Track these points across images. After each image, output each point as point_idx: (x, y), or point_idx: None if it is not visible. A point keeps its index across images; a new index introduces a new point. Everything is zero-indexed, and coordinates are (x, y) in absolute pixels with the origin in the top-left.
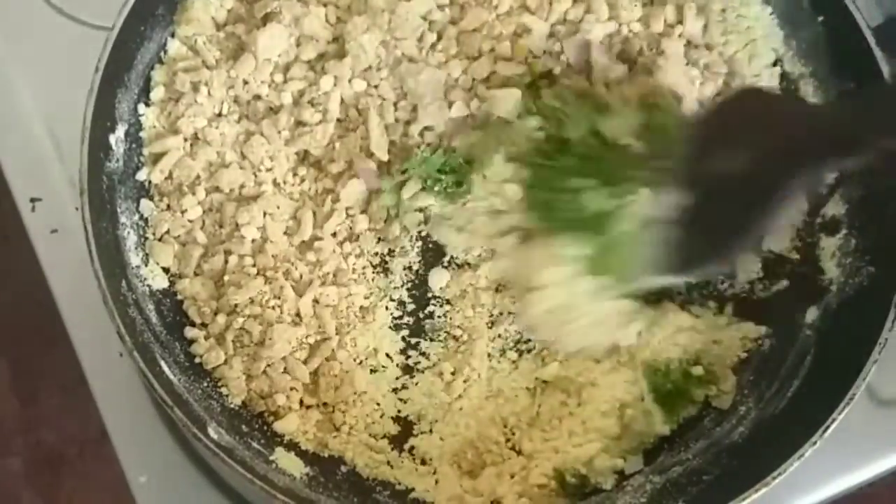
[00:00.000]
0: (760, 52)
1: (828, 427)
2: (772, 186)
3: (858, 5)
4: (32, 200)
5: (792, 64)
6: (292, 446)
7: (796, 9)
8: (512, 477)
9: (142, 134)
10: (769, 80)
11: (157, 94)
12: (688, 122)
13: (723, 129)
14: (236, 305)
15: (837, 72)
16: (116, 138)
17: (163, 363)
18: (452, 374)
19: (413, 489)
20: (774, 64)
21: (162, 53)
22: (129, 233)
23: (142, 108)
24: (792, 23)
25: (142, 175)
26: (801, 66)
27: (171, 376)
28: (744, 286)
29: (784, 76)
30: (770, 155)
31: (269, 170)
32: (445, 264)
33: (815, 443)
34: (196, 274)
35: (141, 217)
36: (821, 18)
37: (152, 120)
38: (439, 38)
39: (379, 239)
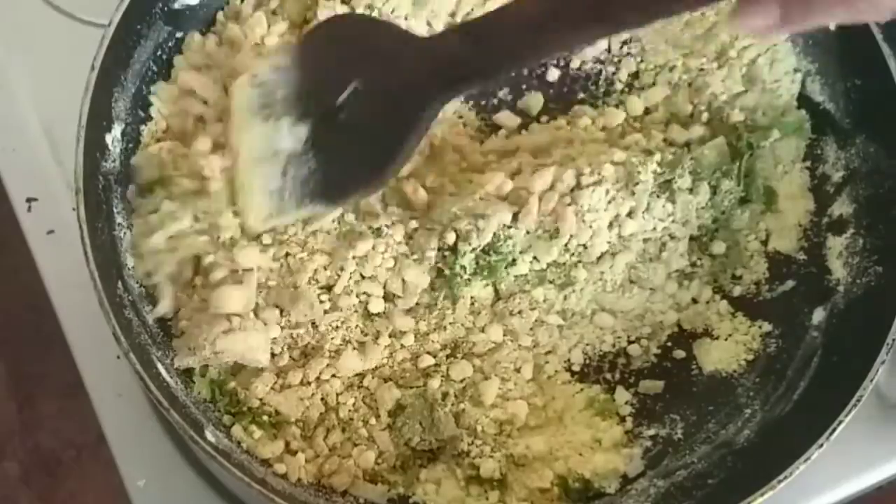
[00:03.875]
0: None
1: (834, 430)
2: (395, 117)
3: None
4: (29, 201)
5: (798, 60)
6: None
7: None
8: (514, 482)
9: (142, 128)
10: (790, 85)
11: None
12: (287, 50)
13: (327, 53)
14: None
15: (844, 68)
16: (113, 137)
17: (159, 365)
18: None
19: (413, 493)
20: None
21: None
22: (125, 233)
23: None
24: None
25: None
26: (808, 63)
27: (168, 378)
28: (750, 287)
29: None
30: (385, 87)
31: None
32: None
33: (821, 445)
34: None
35: None
36: None
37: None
38: None
39: None
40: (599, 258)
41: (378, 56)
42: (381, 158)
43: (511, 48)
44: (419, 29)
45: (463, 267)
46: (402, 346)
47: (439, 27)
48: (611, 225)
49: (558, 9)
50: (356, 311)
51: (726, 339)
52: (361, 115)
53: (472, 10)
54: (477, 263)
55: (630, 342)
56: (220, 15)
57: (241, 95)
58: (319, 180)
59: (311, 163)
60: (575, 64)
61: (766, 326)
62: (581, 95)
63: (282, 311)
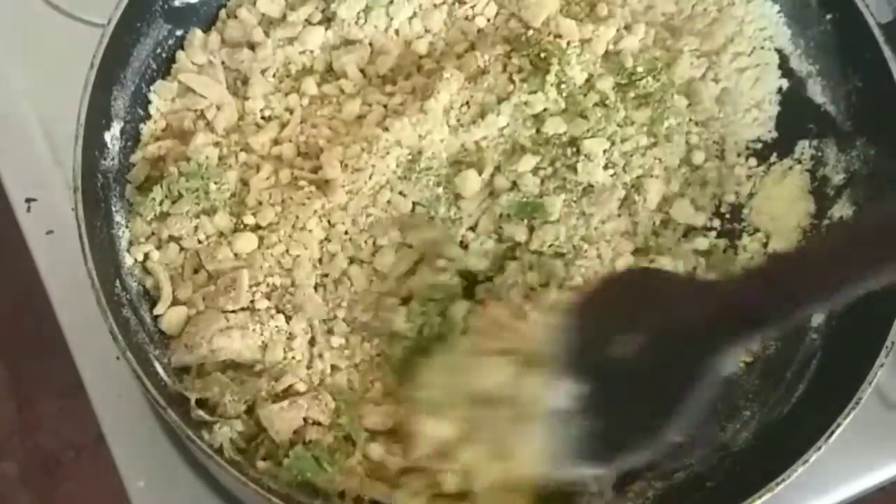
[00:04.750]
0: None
1: (833, 432)
2: (679, 369)
3: (867, 2)
4: (28, 201)
5: (799, 63)
6: None
7: (804, 7)
8: None
9: (142, 126)
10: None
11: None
12: (566, 306)
13: (609, 310)
14: None
15: (846, 70)
16: (111, 136)
17: (157, 364)
18: None
19: None
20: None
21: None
22: (123, 232)
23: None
24: (799, 21)
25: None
26: (809, 65)
27: (166, 378)
28: None
29: (792, 75)
30: (670, 338)
31: None
32: None
33: (819, 448)
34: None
35: None
36: (829, 16)
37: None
38: None
39: None
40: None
41: (664, 305)
42: (666, 419)
43: (814, 291)
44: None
45: None
46: None
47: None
48: None
49: (870, 241)
50: None
51: None
52: (644, 369)
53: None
54: None
55: None
56: (221, 13)
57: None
58: (594, 439)
59: (585, 422)
60: None
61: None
62: None
63: (279, 309)
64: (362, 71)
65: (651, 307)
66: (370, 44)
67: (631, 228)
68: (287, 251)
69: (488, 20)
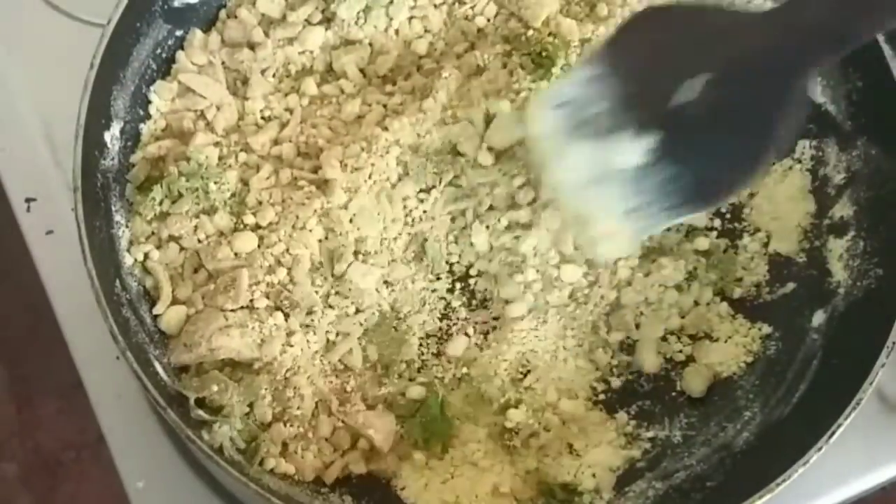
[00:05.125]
0: None
1: (833, 433)
2: (764, 99)
3: None
4: (27, 201)
5: None
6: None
7: None
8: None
9: (142, 127)
10: None
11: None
12: (597, 57)
13: (644, 54)
14: None
15: (846, 70)
16: (111, 136)
17: (157, 364)
18: None
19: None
20: None
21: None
22: (123, 232)
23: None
24: None
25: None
26: None
27: (166, 377)
28: (750, 289)
29: None
30: (741, 70)
31: None
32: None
33: (820, 448)
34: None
35: None
36: None
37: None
38: None
39: None
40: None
41: (723, 40)
42: (759, 144)
43: (885, 5)
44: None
45: None
46: None
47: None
48: None
49: None
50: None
51: (726, 342)
52: (721, 106)
53: None
54: None
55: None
56: (221, 13)
57: (542, 122)
58: (686, 183)
59: (669, 169)
60: None
61: (766, 329)
62: None
63: (278, 307)
64: (362, 71)
65: (710, 42)
66: (370, 44)
67: None
68: (287, 250)
69: (488, 20)
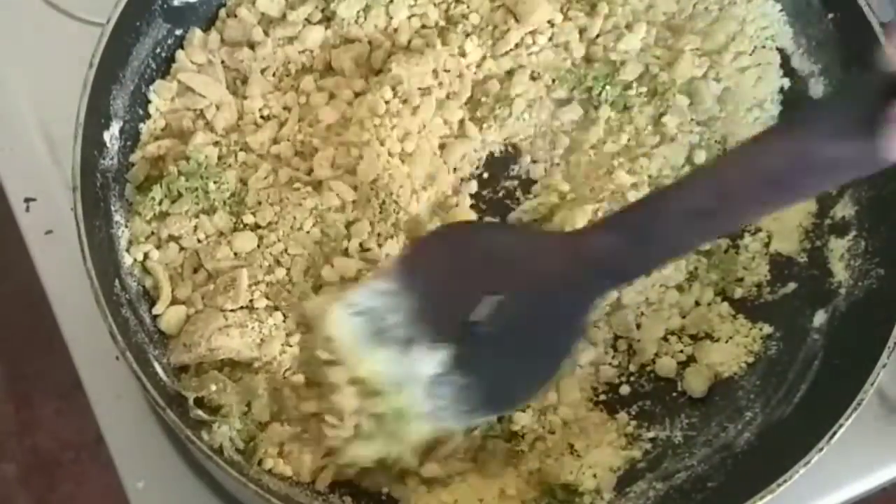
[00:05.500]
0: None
1: (835, 433)
2: (552, 322)
3: (869, 1)
4: (27, 201)
5: (801, 62)
6: None
7: (805, 5)
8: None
9: (141, 126)
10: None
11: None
12: (391, 272)
13: (437, 271)
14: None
15: (848, 69)
16: (111, 135)
17: (156, 364)
18: None
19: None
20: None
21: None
22: (122, 232)
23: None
24: (801, 20)
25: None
26: (811, 64)
27: (165, 378)
28: (751, 289)
29: (794, 74)
30: (533, 294)
31: None
32: None
33: (821, 449)
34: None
35: None
36: (830, 15)
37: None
38: None
39: None
40: None
41: (515, 262)
42: (546, 362)
43: (678, 237)
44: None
45: None
46: None
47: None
48: None
49: (731, 189)
50: None
51: (727, 342)
52: (511, 325)
53: None
54: None
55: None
56: (221, 12)
57: (342, 327)
58: (479, 394)
59: (462, 380)
60: None
61: (767, 329)
62: None
63: (277, 307)
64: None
65: (503, 263)
66: (369, 42)
67: None
68: (286, 250)
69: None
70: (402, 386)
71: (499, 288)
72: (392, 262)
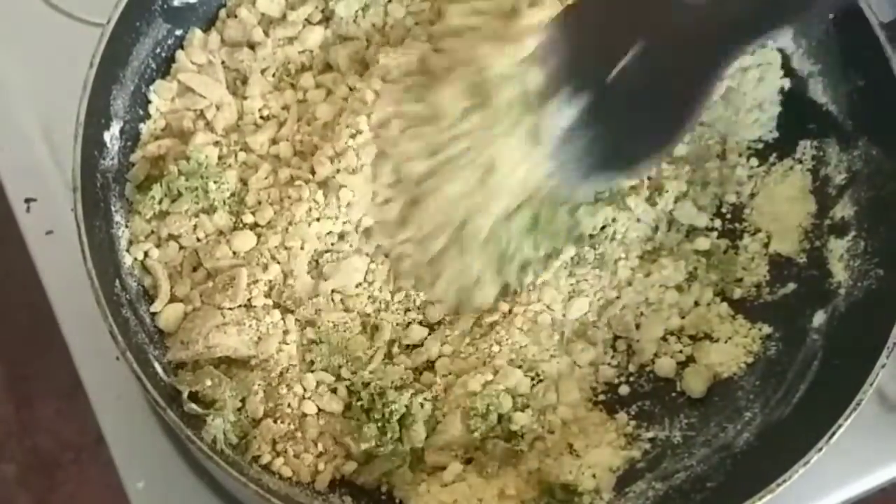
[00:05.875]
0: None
1: (834, 433)
2: (687, 76)
3: (869, 2)
4: (27, 201)
5: (801, 62)
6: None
7: None
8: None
9: (141, 126)
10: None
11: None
12: (550, 24)
13: (598, 20)
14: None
15: (847, 70)
16: (111, 135)
17: (157, 364)
18: None
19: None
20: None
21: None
22: (123, 232)
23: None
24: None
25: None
26: (811, 65)
27: (165, 378)
28: (750, 289)
29: (794, 74)
30: (671, 46)
31: None
32: None
33: (820, 449)
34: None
35: None
36: (831, 16)
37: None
38: None
39: None
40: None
41: (657, 16)
42: (674, 122)
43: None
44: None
45: None
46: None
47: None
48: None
49: None
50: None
51: (726, 342)
52: (645, 79)
53: None
54: None
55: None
56: (221, 12)
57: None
58: (605, 149)
59: (592, 133)
60: None
61: (767, 329)
62: None
63: (276, 305)
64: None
65: (646, 18)
66: (367, 40)
67: (651, 233)
68: (285, 249)
69: None
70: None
71: (637, 39)
72: (549, 20)
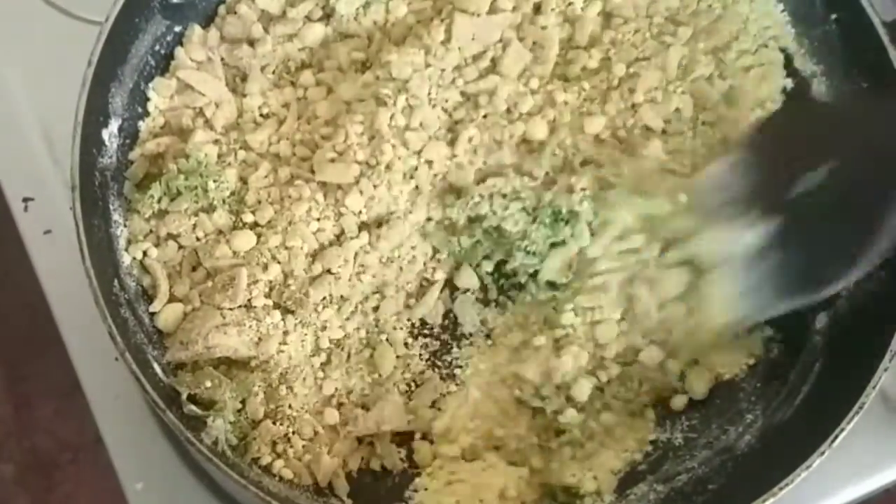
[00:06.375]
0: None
1: (836, 436)
2: (877, 190)
3: (872, 1)
4: (25, 200)
5: (804, 62)
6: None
7: (809, 6)
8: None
9: (140, 124)
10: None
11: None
12: (742, 145)
13: (788, 142)
14: None
15: (850, 70)
16: (110, 133)
17: (156, 365)
18: None
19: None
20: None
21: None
22: (121, 231)
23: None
24: (804, 21)
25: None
26: (814, 65)
27: (164, 378)
28: None
29: (796, 74)
30: (862, 162)
31: None
32: None
33: (823, 452)
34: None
35: None
36: (834, 16)
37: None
38: None
39: None
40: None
41: (845, 131)
42: (870, 237)
43: None
44: None
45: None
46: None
47: None
48: None
49: None
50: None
51: (728, 344)
52: (839, 194)
53: None
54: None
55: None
56: (221, 9)
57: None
58: (797, 270)
59: (785, 255)
60: None
61: (769, 331)
62: None
63: (276, 305)
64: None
65: (833, 135)
66: (368, 38)
67: None
68: (285, 249)
69: None
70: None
71: (830, 157)
72: (743, 137)
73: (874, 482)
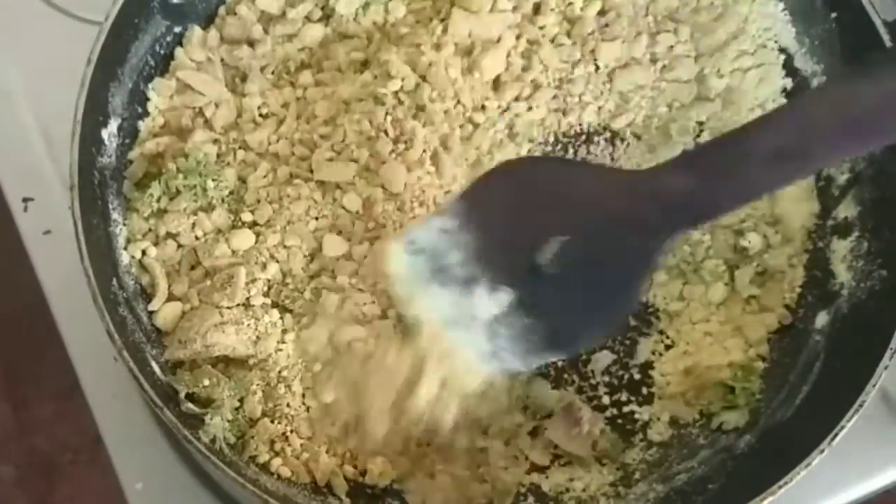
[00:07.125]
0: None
1: (836, 435)
2: (620, 264)
3: (873, 0)
4: (25, 200)
5: (804, 62)
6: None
7: (809, 5)
8: None
9: (139, 124)
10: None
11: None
12: (444, 210)
13: (501, 209)
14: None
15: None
16: (109, 133)
17: (154, 364)
18: None
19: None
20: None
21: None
22: (120, 230)
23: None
24: (804, 19)
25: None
26: (814, 64)
27: (162, 377)
28: None
29: (796, 74)
30: (602, 231)
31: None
32: None
33: (822, 451)
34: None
35: None
36: (834, 14)
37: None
38: None
39: None
40: None
41: (583, 199)
42: (615, 302)
43: (756, 179)
44: None
45: None
46: None
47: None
48: None
49: (815, 131)
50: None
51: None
52: (577, 265)
53: None
54: None
55: None
56: (221, 9)
57: (399, 264)
58: (542, 334)
59: (525, 319)
60: None
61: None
62: None
63: (275, 304)
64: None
65: (570, 201)
66: (367, 38)
67: None
68: (284, 248)
69: None
70: (457, 326)
71: (565, 226)
72: (453, 197)
73: (874, 482)
